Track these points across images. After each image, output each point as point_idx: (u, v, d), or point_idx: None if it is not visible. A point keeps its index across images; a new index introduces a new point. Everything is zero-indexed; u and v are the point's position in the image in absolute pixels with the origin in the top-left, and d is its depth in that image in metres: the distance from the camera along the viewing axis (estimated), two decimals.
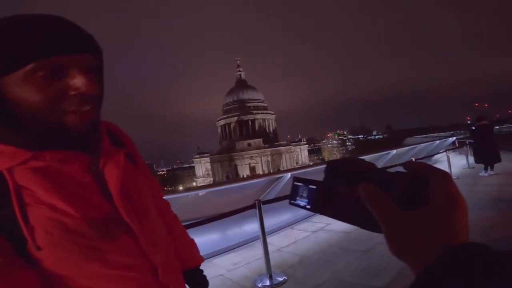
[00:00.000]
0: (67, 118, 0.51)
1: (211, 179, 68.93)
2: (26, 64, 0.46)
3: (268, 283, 2.75)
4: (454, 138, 13.53)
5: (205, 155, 73.30)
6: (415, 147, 9.89)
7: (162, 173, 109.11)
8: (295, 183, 0.43)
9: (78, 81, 0.50)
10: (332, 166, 0.39)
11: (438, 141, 11.77)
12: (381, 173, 0.34)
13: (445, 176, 0.31)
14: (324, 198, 0.38)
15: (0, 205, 0.49)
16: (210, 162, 70.93)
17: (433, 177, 0.31)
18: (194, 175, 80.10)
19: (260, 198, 4.70)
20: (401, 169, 0.34)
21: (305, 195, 0.41)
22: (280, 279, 2.80)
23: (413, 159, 6.29)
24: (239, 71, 74.48)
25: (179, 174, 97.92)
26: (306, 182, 0.42)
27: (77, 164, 0.56)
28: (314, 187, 0.40)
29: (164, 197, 0.95)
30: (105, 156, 0.60)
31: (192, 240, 0.94)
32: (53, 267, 0.52)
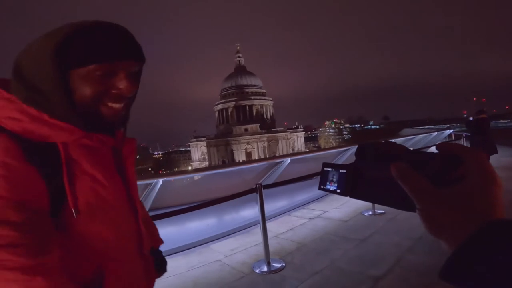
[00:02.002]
0: (102, 109, 0.63)
1: (207, 163, 69.08)
2: (91, 64, 0.58)
3: (266, 269, 2.75)
4: (451, 130, 13.60)
5: (202, 139, 73.17)
6: (413, 137, 9.91)
7: (157, 156, 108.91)
8: (325, 168, 0.44)
9: (122, 83, 0.63)
10: (363, 149, 0.39)
11: (435, 133, 11.82)
12: (413, 153, 0.35)
13: (479, 155, 0.31)
14: (355, 181, 0.39)
15: (52, 173, 0.59)
16: (207, 146, 70.90)
17: (467, 156, 0.31)
18: (190, 159, 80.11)
19: (261, 181, 4.71)
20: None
21: (335, 179, 0.42)
22: (278, 265, 2.81)
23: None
24: (239, 57, 74.30)
25: (175, 158, 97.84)
26: (336, 166, 0.43)
27: (109, 146, 0.70)
28: (344, 171, 0.41)
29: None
30: (126, 143, 0.75)
31: (154, 224, 1.07)
32: (80, 232, 0.62)
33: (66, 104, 0.60)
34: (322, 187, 0.44)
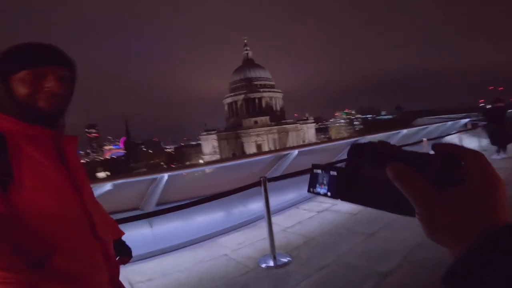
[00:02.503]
0: (39, 104, 0.83)
1: (218, 156, 69.61)
2: (23, 70, 0.81)
3: (272, 264, 2.74)
4: (468, 119, 13.08)
5: (212, 132, 73.56)
6: (427, 127, 9.61)
7: (169, 150, 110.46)
8: (314, 170, 0.42)
9: (50, 83, 0.84)
10: (356, 149, 0.37)
11: (450, 122, 11.42)
12: (410, 154, 0.33)
13: (479, 155, 0.30)
14: (348, 183, 0.37)
15: (1, 155, 0.74)
16: (217, 139, 71.32)
17: (467, 156, 0.30)
18: (201, 152, 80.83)
19: (266, 175, 4.68)
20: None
21: (325, 182, 0.40)
22: (284, 260, 2.79)
23: (425, 139, 6.08)
24: (246, 50, 74.08)
25: (186, 151, 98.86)
26: (326, 168, 0.41)
27: (49, 135, 0.86)
28: (335, 173, 0.39)
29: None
30: (67, 136, 0.92)
31: (112, 218, 1.21)
32: (27, 205, 0.76)
33: (9, 101, 0.81)
34: (311, 190, 0.42)
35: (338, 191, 0.38)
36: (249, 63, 72.55)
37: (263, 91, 69.75)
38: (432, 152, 0.33)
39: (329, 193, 0.39)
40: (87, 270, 0.84)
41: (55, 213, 0.80)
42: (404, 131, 7.91)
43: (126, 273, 2.79)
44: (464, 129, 10.26)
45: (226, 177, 4.60)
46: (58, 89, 0.84)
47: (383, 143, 0.36)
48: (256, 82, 70.06)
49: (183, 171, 3.87)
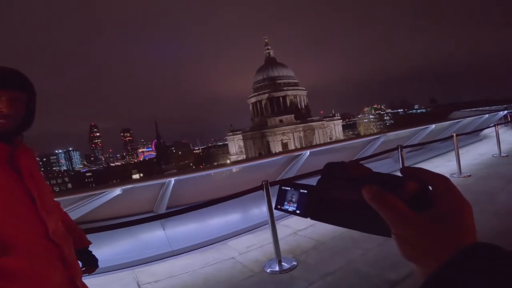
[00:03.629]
0: None
1: (244, 156, 70.19)
2: None
3: (276, 268, 2.70)
4: (506, 111, 11.90)
5: (238, 132, 74.34)
6: (460, 121, 8.90)
7: (198, 151, 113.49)
8: (282, 187, 0.43)
9: (3, 105, 0.94)
10: (329, 169, 0.38)
11: (487, 115, 10.46)
12: (382, 176, 0.34)
13: (446, 180, 0.32)
14: (319, 202, 0.37)
15: None
16: (243, 139, 71.94)
17: (435, 181, 0.32)
18: (227, 152, 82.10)
19: (280, 176, 4.62)
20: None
21: (294, 199, 0.40)
22: (289, 265, 2.73)
23: (455, 135, 5.63)
24: (268, 49, 74.01)
25: (214, 152, 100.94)
26: (296, 186, 0.41)
27: (4, 149, 0.95)
28: (305, 191, 0.40)
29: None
30: (20, 150, 1.00)
31: (80, 228, 1.30)
32: None
33: None
34: (279, 207, 0.42)
35: (308, 210, 0.38)
36: (271, 62, 72.35)
37: (287, 90, 69.16)
38: (400, 175, 0.34)
39: (298, 211, 0.39)
40: (41, 271, 0.91)
41: (3, 217, 0.87)
42: (432, 126, 7.37)
43: (136, 274, 2.91)
44: (502, 122, 9.37)
45: (239, 179, 4.61)
46: (8, 110, 0.94)
47: (355, 164, 0.37)
48: (279, 81, 69.70)
49: (190, 175, 3.93)
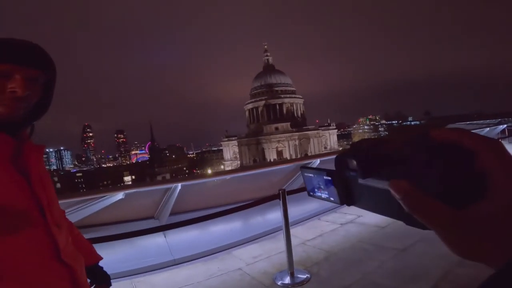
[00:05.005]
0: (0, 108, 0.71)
1: (239, 162, 69.95)
2: None
3: (288, 281, 2.52)
4: (505, 125, 12.05)
5: (233, 138, 74.19)
6: None
7: (192, 155, 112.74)
8: (305, 174, 0.39)
9: (16, 84, 0.71)
10: (341, 163, 0.32)
11: (486, 129, 10.56)
12: (409, 157, 0.25)
13: (501, 152, 0.23)
14: (346, 189, 0.33)
15: None
16: (238, 145, 71.75)
17: (484, 152, 0.23)
18: (222, 158, 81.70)
19: (286, 185, 4.47)
20: None
21: (322, 186, 0.37)
22: (303, 277, 2.56)
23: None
24: (267, 55, 74.43)
25: (208, 157, 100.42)
26: (317, 172, 0.37)
27: (9, 144, 0.73)
28: (330, 178, 0.35)
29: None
30: (30, 146, 0.78)
31: (88, 241, 1.09)
32: None
33: None
34: (311, 193, 0.39)
35: (341, 196, 0.34)
36: (269, 69, 72.73)
37: (284, 97, 69.54)
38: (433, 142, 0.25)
39: (332, 198, 0.36)
40: None
41: (2, 232, 0.66)
42: None
43: (135, 284, 2.70)
44: (503, 136, 9.43)
45: (246, 186, 4.45)
46: (23, 91, 0.71)
47: (365, 144, 0.30)
48: (276, 88, 70.05)
49: (197, 181, 3.75)
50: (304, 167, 0.39)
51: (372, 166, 0.29)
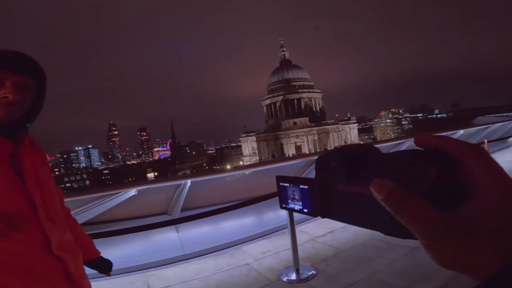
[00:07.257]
0: None
1: (257, 157, 70.17)
2: None
3: (294, 277, 2.54)
4: None
5: (252, 134, 74.44)
6: (488, 127, 8.43)
7: (211, 152, 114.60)
8: (280, 183, 0.43)
9: (7, 90, 0.79)
10: (324, 163, 0.31)
11: None
12: (393, 158, 0.25)
13: (484, 155, 0.23)
14: (325, 198, 0.31)
15: None
16: (256, 141, 71.95)
17: (467, 156, 0.23)
18: (241, 153, 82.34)
19: None
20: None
21: (297, 197, 0.40)
22: (308, 273, 2.57)
23: (486, 141, 5.28)
24: (283, 51, 73.93)
25: (227, 153, 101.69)
26: (294, 181, 0.40)
27: (1, 146, 0.80)
28: (306, 187, 0.36)
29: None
30: (25, 147, 0.85)
31: (89, 237, 1.17)
32: None
33: None
34: (283, 206, 0.31)
35: (315, 208, 0.29)
36: (286, 64, 72.13)
37: (302, 92, 68.73)
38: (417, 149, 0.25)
39: (305, 210, 0.31)
40: None
41: None
42: (461, 131, 7.00)
43: (147, 277, 2.83)
44: None
45: (257, 182, 4.49)
46: (13, 96, 0.79)
47: (351, 148, 0.29)
48: (294, 83, 69.37)
49: (206, 177, 3.84)
50: (281, 177, 0.38)
51: (356, 166, 0.28)
